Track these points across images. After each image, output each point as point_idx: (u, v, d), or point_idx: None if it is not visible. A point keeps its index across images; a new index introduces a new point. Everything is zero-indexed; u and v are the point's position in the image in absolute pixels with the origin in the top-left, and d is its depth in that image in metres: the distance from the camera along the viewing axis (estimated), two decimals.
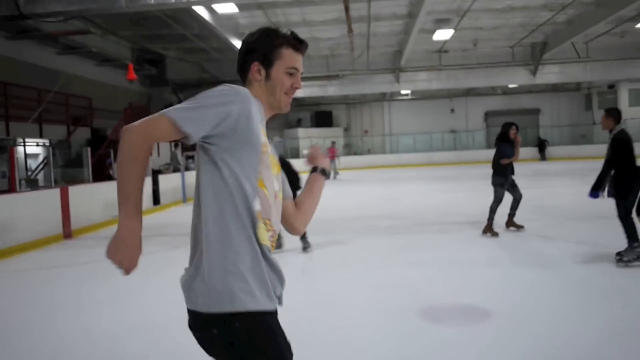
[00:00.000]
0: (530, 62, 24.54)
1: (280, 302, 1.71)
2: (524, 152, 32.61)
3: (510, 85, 29.49)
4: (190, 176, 14.30)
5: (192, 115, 1.54)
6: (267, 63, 1.76)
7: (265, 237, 1.67)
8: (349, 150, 34.85)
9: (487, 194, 13.73)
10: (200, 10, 14.00)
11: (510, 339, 3.77)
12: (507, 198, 8.06)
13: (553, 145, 32.61)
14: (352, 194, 16.31)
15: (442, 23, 18.66)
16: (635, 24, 20.19)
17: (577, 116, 34.42)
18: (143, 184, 1.53)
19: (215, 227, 1.60)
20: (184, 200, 14.72)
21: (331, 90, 25.77)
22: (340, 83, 25.24)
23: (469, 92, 33.60)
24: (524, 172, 21.73)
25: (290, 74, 1.78)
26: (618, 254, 5.69)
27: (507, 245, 7.19)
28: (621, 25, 20.21)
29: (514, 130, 7.95)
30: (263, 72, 1.76)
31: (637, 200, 5.61)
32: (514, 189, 8.00)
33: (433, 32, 19.41)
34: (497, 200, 7.91)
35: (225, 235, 1.59)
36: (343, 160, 31.37)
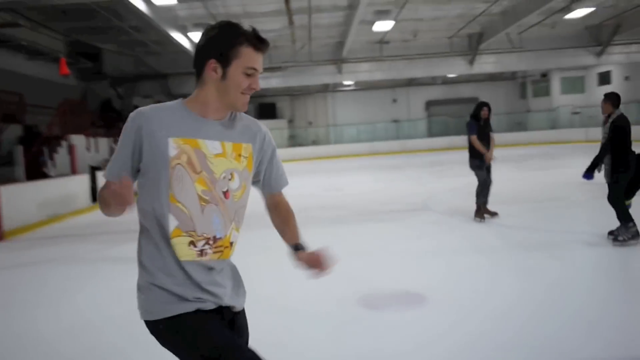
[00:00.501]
0: (468, 52, 25.19)
1: (230, 300, 1.84)
2: (462, 140, 33.62)
3: (450, 75, 30.22)
4: None
5: (111, 166, 1.73)
6: (225, 61, 1.70)
7: (184, 252, 1.70)
8: (294, 142, 34.87)
9: (429, 181, 14.12)
10: (137, 1, 13.62)
11: (447, 323, 3.91)
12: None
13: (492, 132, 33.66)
14: (295, 185, 16.26)
15: (382, 14, 18.88)
16: (564, 15, 21.05)
17: (513, 104, 35.67)
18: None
19: (140, 243, 1.77)
20: None
21: (274, 82, 25.64)
22: (283, 75, 25.16)
23: (411, 82, 34.19)
24: (460, 159, 22.40)
25: (248, 75, 1.72)
26: (611, 232, 5.90)
27: (447, 231, 7.42)
28: (552, 17, 21.01)
29: (485, 111, 7.80)
30: (220, 71, 1.71)
31: (628, 184, 5.77)
32: (487, 174, 7.78)
33: (373, 23, 19.62)
34: (481, 183, 7.69)
35: (146, 251, 1.74)
36: (288, 152, 31.38)
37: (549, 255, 5.70)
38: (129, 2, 13.31)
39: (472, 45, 24.70)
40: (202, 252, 1.73)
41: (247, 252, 6.84)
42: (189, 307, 1.71)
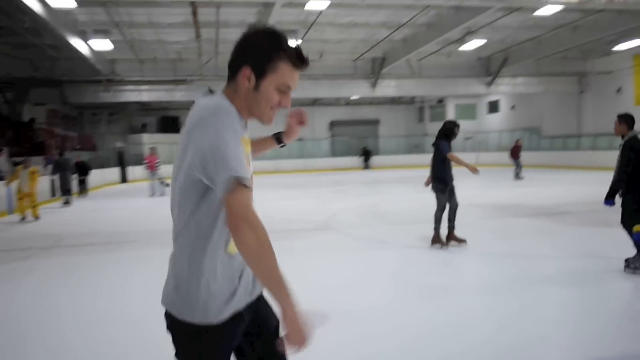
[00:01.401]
0: (370, 75, 26.12)
1: (251, 294, 1.79)
2: (351, 161, 34.34)
3: (353, 97, 31.12)
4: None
5: (237, 161, 1.53)
6: (260, 73, 1.64)
7: (232, 246, 1.65)
8: None
9: (331, 200, 14.35)
10: (31, 2, 12.82)
11: (347, 340, 3.98)
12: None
13: (389, 154, 35.08)
14: None
15: (289, 33, 18.88)
16: (459, 47, 22.49)
17: (411, 127, 37.40)
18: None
19: (194, 250, 1.69)
20: (10, 211, 13.27)
21: (178, 95, 25.07)
22: (188, 88, 24.65)
23: (315, 102, 34.83)
24: (362, 179, 23.09)
25: (281, 91, 1.66)
26: (626, 260, 5.64)
27: (344, 250, 7.58)
28: (448, 47, 22.39)
29: (458, 130, 7.42)
30: (253, 81, 1.64)
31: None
32: (451, 197, 7.33)
33: None
34: (441, 208, 7.28)
35: (202, 255, 1.67)
36: None
37: (438, 272, 5.99)
38: (21, 1, 12.50)
39: (375, 69, 25.67)
40: None
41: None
42: (229, 309, 1.67)
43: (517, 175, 19.31)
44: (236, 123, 1.59)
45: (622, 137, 5.67)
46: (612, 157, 15.14)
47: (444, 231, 7.38)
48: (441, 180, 7.21)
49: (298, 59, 1.64)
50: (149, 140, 31.28)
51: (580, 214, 10.15)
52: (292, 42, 1.67)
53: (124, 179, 26.83)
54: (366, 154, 34.09)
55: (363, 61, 25.58)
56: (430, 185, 7.36)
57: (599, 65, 26.70)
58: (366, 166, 33.70)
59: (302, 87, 25.75)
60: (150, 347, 3.82)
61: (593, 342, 3.81)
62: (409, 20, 18.19)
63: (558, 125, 28.90)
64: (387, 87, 26.87)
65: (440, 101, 35.80)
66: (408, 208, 11.79)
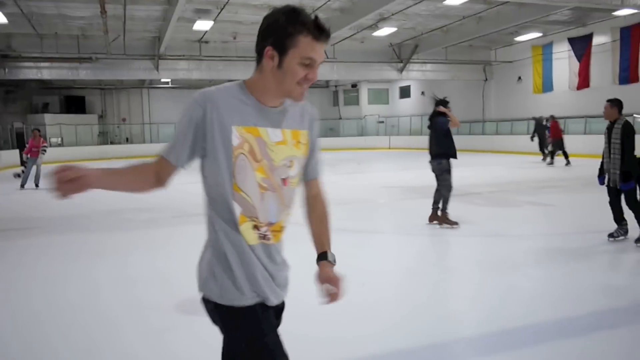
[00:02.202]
0: None
1: (275, 296, 1.77)
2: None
3: None
4: None
5: (171, 147, 1.69)
6: (281, 50, 1.62)
7: (251, 236, 1.70)
8: (105, 139, 32.66)
9: None
10: None
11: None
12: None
13: None
14: None
15: (202, 13, 18.64)
16: (372, 32, 22.90)
17: (326, 111, 37.73)
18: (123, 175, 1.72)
19: (211, 229, 1.77)
20: None
21: (83, 73, 23.72)
22: (94, 67, 23.39)
23: None
24: None
25: (306, 65, 1.63)
26: (611, 235, 6.08)
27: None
28: (361, 32, 22.70)
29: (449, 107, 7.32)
30: (276, 59, 1.63)
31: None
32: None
33: (193, 21, 19.29)
34: (449, 188, 7.12)
35: (218, 238, 1.73)
36: (97, 150, 29.29)
37: (352, 244, 6.15)
38: None
39: None
40: (264, 236, 1.73)
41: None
42: (251, 301, 1.72)
43: (552, 157, 17.61)
44: (207, 97, 1.66)
45: (611, 121, 5.96)
46: (513, 141, 16.28)
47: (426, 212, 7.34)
48: (447, 156, 7.07)
49: (317, 30, 1.62)
50: (51, 120, 29.52)
51: (486, 195, 10.73)
52: (311, 15, 1.66)
53: (22, 162, 25.14)
54: None
55: None
56: (433, 167, 7.18)
57: (501, 54, 28.18)
58: None
59: (216, 68, 25.27)
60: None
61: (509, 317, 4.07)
62: (322, 5, 18.24)
63: (465, 111, 30.22)
64: None
65: (354, 85, 36.39)
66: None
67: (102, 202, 11.09)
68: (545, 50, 24.98)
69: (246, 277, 1.71)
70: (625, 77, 21.06)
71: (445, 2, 17.59)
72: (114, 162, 26.59)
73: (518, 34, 24.46)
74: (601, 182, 6.14)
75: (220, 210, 1.71)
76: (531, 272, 5.34)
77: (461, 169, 15.89)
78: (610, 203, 6.08)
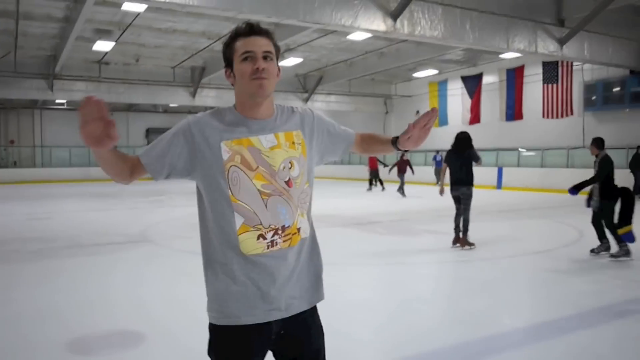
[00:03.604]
0: (190, 84, 25.64)
1: (266, 315, 1.73)
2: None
3: (171, 105, 30.18)
4: None
5: (149, 149, 1.78)
6: (229, 64, 1.77)
7: (252, 246, 1.71)
8: None
9: (146, 212, 13.73)
10: None
11: (166, 356, 3.83)
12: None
13: None
14: None
15: (102, 34, 17.97)
16: (279, 62, 23.15)
17: None
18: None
19: (205, 244, 1.80)
20: None
21: None
22: None
23: (130, 108, 33.10)
24: (180, 189, 22.49)
25: (246, 59, 1.71)
26: (593, 250, 7.28)
27: (164, 262, 7.30)
28: None
29: None
30: (232, 74, 1.77)
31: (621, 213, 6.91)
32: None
33: (93, 41, 18.53)
34: (470, 209, 7.95)
35: (211, 252, 1.76)
36: None
37: None
38: None
39: (195, 78, 25.24)
40: (272, 243, 1.72)
41: None
42: (237, 321, 1.72)
43: (402, 191, 17.92)
44: (196, 121, 1.78)
45: (596, 155, 7.22)
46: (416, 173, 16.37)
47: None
48: (472, 184, 7.87)
49: (246, 28, 1.74)
50: None
51: (386, 224, 11.07)
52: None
53: None
54: None
55: (182, 69, 25.01)
56: (453, 192, 8.01)
57: (401, 89, 29.58)
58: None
59: (116, 90, 24.41)
60: None
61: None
62: (228, 33, 18.21)
63: None
64: (207, 97, 26.59)
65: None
66: None
67: None
68: (440, 86, 26.55)
69: (237, 293, 1.73)
70: (511, 114, 22.82)
71: (349, 37, 18.22)
72: (0, 187, 24.72)
73: (416, 70, 25.83)
74: (587, 206, 7.34)
75: (215, 227, 1.75)
76: (428, 297, 5.55)
77: (361, 200, 16.28)
78: (592, 223, 7.26)
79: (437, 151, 25.75)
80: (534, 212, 13.07)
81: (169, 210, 14.35)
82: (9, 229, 10.68)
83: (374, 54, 21.95)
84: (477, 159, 7.91)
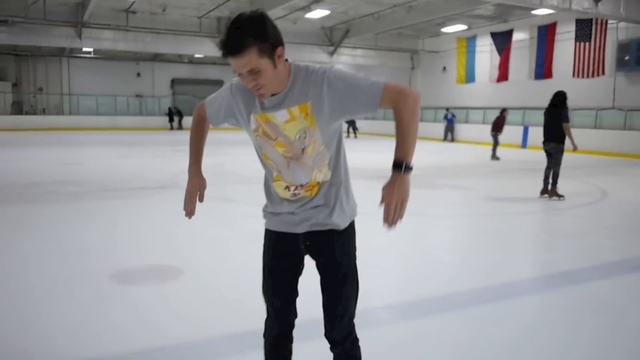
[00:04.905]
0: (216, 34, 25.53)
1: (295, 227, 2.07)
2: (155, 120, 32.46)
3: (197, 55, 30.21)
4: None
5: (213, 98, 2.12)
6: None
7: (281, 192, 2.04)
8: (19, 108, 30.85)
9: (173, 160, 14.05)
10: None
11: (202, 292, 4.11)
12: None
13: None
14: (23, 157, 14.62)
15: None
16: (305, 14, 22.95)
17: None
18: (198, 143, 2.22)
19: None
20: None
21: None
22: (9, 30, 21.96)
23: (156, 58, 33.21)
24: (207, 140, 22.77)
25: (239, 75, 1.79)
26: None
27: (200, 207, 7.56)
28: (294, 13, 22.72)
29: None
30: None
31: None
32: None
33: None
34: (560, 165, 8.33)
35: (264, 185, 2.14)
36: (11, 120, 27.79)
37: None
38: None
39: (221, 29, 24.97)
40: (295, 195, 2.01)
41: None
42: (272, 227, 2.14)
43: (494, 155, 16.01)
44: (236, 90, 1.98)
45: None
46: (437, 128, 17.01)
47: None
48: (561, 141, 8.21)
49: (221, 47, 1.74)
50: None
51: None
52: (227, 30, 1.76)
53: None
54: (170, 114, 31.99)
55: (209, 19, 24.91)
56: (543, 146, 8.42)
57: (428, 44, 29.08)
58: (172, 127, 31.72)
59: (142, 40, 24.49)
60: None
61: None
62: None
63: None
64: None
65: None
66: (252, 169, 11.99)
67: (23, 175, 10.66)
68: (469, 42, 26.05)
69: (273, 213, 2.12)
70: (540, 72, 22.40)
71: None
72: (28, 134, 25.32)
73: (445, 25, 25.34)
74: None
75: (264, 166, 2.09)
76: (450, 247, 5.75)
77: (385, 155, 16.38)
78: None
79: (447, 109, 25.78)
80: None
81: None
82: (43, 173, 11.08)
83: (402, 7, 21.57)
84: (566, 120, 8.22)
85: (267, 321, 2.21)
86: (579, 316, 3.74)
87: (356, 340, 2.16)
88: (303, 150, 1.93)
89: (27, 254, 5.12)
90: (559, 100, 8.37)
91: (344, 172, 2.08)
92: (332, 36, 27.68)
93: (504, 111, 15.95)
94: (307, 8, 21.82)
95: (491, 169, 13.64)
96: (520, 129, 21.64)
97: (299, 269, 2.15)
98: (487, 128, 24.28)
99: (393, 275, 4.77)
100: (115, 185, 9.50)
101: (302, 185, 2.00)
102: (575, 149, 8.57)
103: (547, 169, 8.43)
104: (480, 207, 8.26)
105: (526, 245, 6.05)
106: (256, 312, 3.67)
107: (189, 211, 2.26)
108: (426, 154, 17.94)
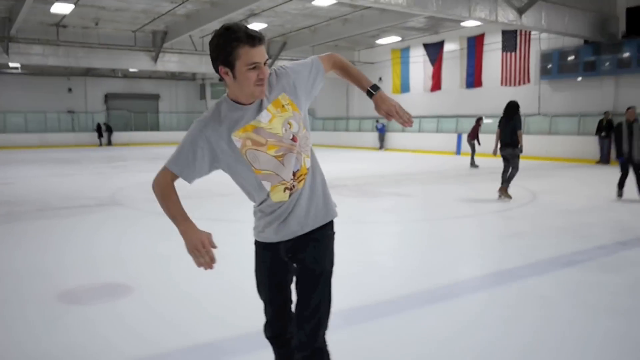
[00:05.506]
0: (151, 48, 25.17)
1: (277, 236, 2.18)
2: (88, 137, 31.55)
3: (131, 69, 29.58)
4: None
5: (175, 157, 2.11)
6: (230, 65, 1.93)
7: (280, 197, 2.10)
8: None
9: (112, 177, 13.73)
10: None
11: (153, 309, 4.10)
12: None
13: (170, 130, 34.38)
14: None
15: None
16: None
17: (192, 104, 37.06)
18: (175, 206, 2.15)
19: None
20: None
21: None
22: None
23: (88, 72, 32.29)
24: (142, 154, 22.36)
25: (253, 68, 1.91)
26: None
27: (136, 222, 7.49)
28: None
29: None
30: (230, 73, 1.95)
31: None
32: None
33: (51, 3, 17.98)
34: (518, 168, 9.14)
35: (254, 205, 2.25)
36: None
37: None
38: None
39: (157, 42, 24.78)
40: (292, 188, 2.10)
41: None
42: (260, 238, 2.26)
43: (473, 163, 16.32)
44: (204, 126, 2.08)
45: (634, 120, 8.75)
46: (375, 138, 17.32)
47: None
48: (517, 146, 9.03)
49: (249, 39, 1.90)
50: None
51: (351, 187, 11.45)
52: (242, 25, 1.95)
53: None
54: (99, 130, 31.08)
55: (144, 33, 24.49)
56: (500, 152, 9.23)
57: (364, 56, 29.74)
58: (101, 143, 30.94)
59: (74, 55, 23.76)
60: None
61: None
62: None
63: (329, 108, 31.52)
64: (169, 62, 26.16)
65: (221, 79, 35.87)
66: (194, 183, 11.88)
67: None
68: (403, 53, 26.84)
69: (264, 222, 2.20)
70: (471, 81, 23.37)
71: (313, 3, 18.25)
72: None
73: (379, 37, 26.03)
74: (621, 161, 8.89)
75: (254, 190, 2.15)
76: (394, 252, 5.96)
77: (328, 164, 16.64)
78: (623, 173, 8.92)
79: (377, 120, 26.77)
80: (491, 177, 13.67)
81: (134, 175, 14.35)
82: None
83: (338, 20, 22.01)
84: (519, 127, 9.07)
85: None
86: (520, 310, 4.00)
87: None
88: (294, 137, 2.08)
89: None
90: (513, 110, 9.23)
91: (317, 161, 2.26)
92: (270, 49, 27.82)
93: (479, 120, 16.24)
94: (244, 21, 21.86)
95: (428, 175, 14.12)
96: (454, 136, 22.49)
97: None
98: (423, 136, 25.16)
99: (340, 282, 4.90)
100: (52, 204, 9.20)
101: (294, 174, 2.10)
102: (520, 152, 9.28)
103: (504, 172, 9.21)
104: (420, 213, 8.57)
105: (467, 247, 6.35)
106: (209, 322, 3.74)
107: (210, 260, 2.04)
108: (364, 163, 18.33)
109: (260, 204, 2.18)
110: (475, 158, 16.30)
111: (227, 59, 1.94)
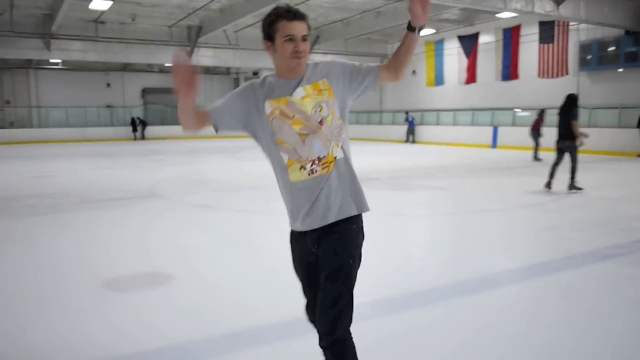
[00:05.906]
0: (186, 43, 25.54)
1: (303, 225, 2.26)
2: (125, 131, 32.10)
3: (167, 64, 30.02)
4: None
5: (216, 103, 2.30)
6: (271, 39, 2.17)
7: (297, 175, 2.21)
8: None
9: (150, 170, 14.05)
10: None
11: (194, 296, 4.24)
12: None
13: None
14: None
15: None
16: None
17: None
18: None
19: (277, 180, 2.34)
20: None
21: None
22: None
23: (126, 67, 32.97)
24: (179, 148, 22.79)
25: (289, 40, 2.12)
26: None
27: (175, 214, 7.69)
28: None
29: None
30: (271, 47, 2.18)
31: None
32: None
33: (90, 0, 18.45)
34: (578, 160, 8.98)
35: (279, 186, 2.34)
36: None
37: (260, 230, 6.49)
38: None
39: (191, 37, 25.13)
40: (312, 171, 2.20)
41: None
42: (292, 227, 2.36)
43: (537, 156, 15.70)
44: (250, 85, 2.29)
45: None
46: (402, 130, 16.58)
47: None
48: (574, 139, 8.90)
49: (288, 13, 2.13)
50: None
51: (385, 180, 11.45)
52: (287, 5, 2.19)
53: None
54: (133, 124, 31.68)
55: (179, 28, 24.87)
56: (558, 144, 9.11)
57: None
58: (135, 137, 31.48)
59: (112, 50, 24.32)
60: None
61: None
62: None
63: (362, 102, 31.38)
64: (204, 57, 26.51)
65: (256, 73, 36.37)
66: (230, 175, 12.12)
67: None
68: (437, 46, 26.54)
69: (290, 209, 2.30)
70: (507, 74, 22.97)
71: None
72: None
73: None
74: None
75: (275, 162, 2.27)
76: (429, 245, 5.98)
77: (362, 157, 16.64)
78: None
79: (407, 112, 26.50)
80: (527, 170, 13.48)
81: (172, 168, 14.66)
82: (18, 187, 10.99)
83: (371, 13, 21.92)
84: (575, 118, 8.97)
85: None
86: (556, 304, 3.99)
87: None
88: (321, 121, 2.20)
89: (15, 266, 5.16)
90: (570, 102, 9.19)
91: (351, 157, 2.33)
92: None
93: (542, 112, 15.72)
94: None
95: (463, 169, 14.00)
96: (490, 129, 22.18)
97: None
98: (457, 129, 24.89)
99: (374, 273, 4.96)
100: (94, 196, 9.49)
101: (319, 159, 2.20)
102: (581, 144, 9.12)
103: (554, 164, 9.16)
104: (454, 206, 8.53)
105: (502, 240, 6.31)
106: (246, 309, 3.85)
107: (186, 70, 2.10)
108: (397, 157, 18.28)
109: (283, 184, 2.28)
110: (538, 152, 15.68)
111: (269, 33, 2.17)
